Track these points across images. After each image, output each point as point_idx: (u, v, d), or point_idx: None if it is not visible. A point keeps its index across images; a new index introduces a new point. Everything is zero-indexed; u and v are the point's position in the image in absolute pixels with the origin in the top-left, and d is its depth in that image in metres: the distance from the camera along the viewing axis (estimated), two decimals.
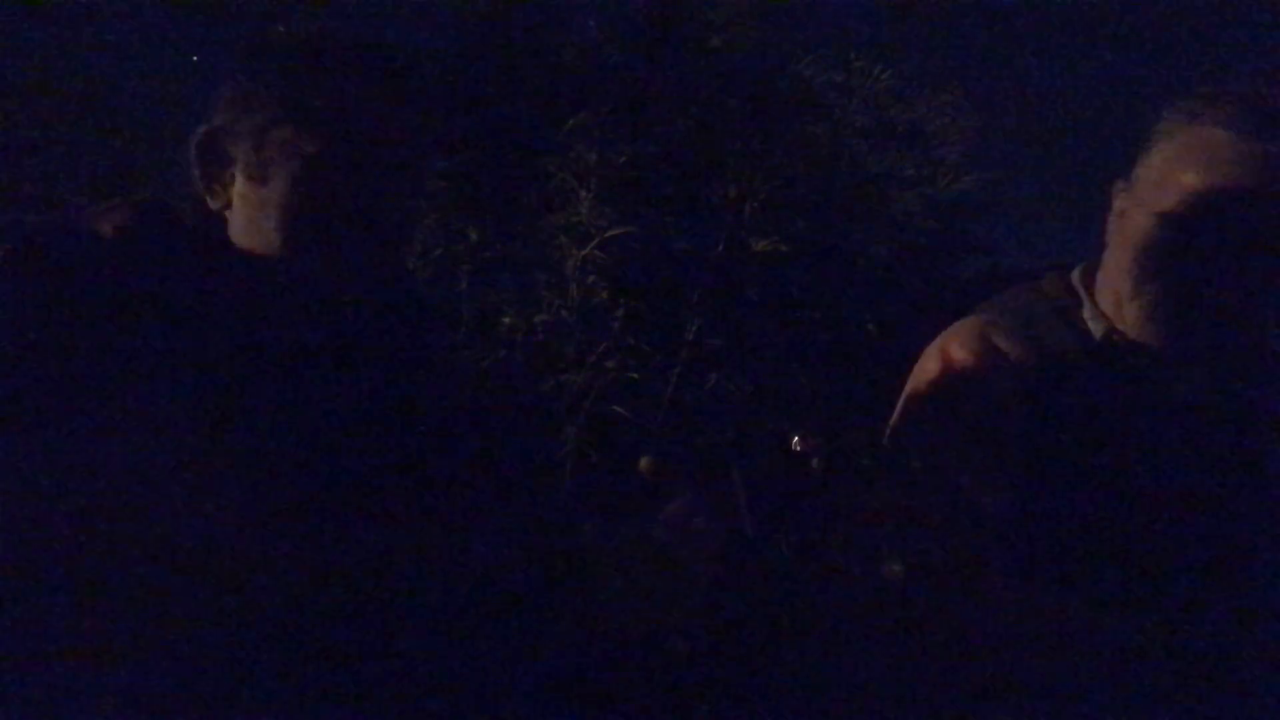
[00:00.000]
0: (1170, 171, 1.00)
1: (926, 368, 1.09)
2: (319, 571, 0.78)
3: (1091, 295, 1.09)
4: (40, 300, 0.76)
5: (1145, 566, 0.97)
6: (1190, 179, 0.97)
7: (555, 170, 3.33)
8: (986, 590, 0.92)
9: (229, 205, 0.86)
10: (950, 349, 1.07)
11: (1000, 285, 1.22)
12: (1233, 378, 1.05)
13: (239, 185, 0.85)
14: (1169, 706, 0.90)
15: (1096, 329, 1.06)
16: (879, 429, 1.11)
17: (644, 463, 0.81)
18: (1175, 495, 0.98)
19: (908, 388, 1.10)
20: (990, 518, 0.95)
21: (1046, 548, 0.97)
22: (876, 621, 0.87)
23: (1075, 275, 1.14)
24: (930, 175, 4.62)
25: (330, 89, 0.83)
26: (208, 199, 0.87)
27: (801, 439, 0.75)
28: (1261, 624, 0.93)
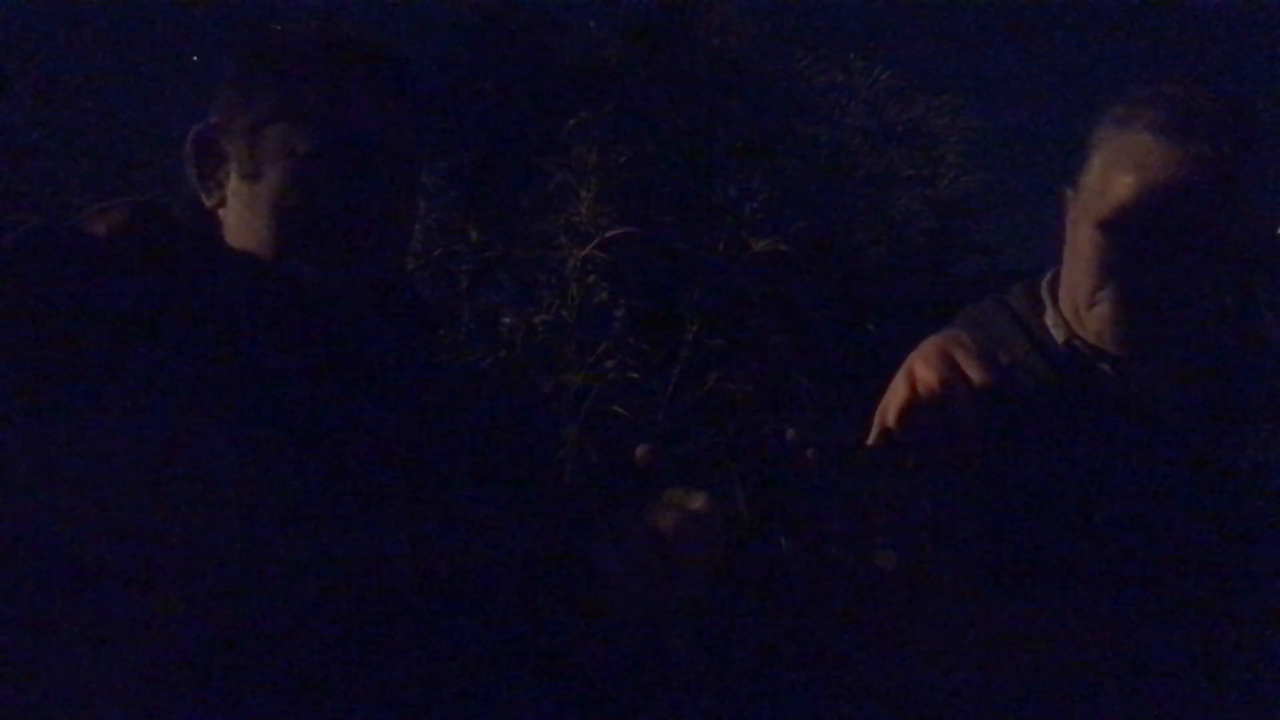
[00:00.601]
0: (1106, 179, 1.00)
1: (896, 391, 1.09)
2: (318, 570, 0.78)
3: (1056, 301, 1.10)
4: (35, 300, 0.76)
5: (1114, 572, 0.96)
6: (1124, 185, 0.98)
7: (555, 170, 3.33)
8: (954, 600, 0.92)
9: (223, 203, 0.86)
10: (916, 370, 1.07)
11: (1000, 285, 1.22)
12: (1201, 376, 1.05)
13: (233, 183, 0.85)
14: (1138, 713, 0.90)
15: (1058, 335, 1.06)
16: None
17: (640, 450, 0.81)
18: (1145, 499, 0.98)
19: (879, 411, 1.10)
20: (957, 532, 0.95)
21: (1014, 558, 0.97)
22: (872, 617, 0.87)
23: (1044, 282, 1.14)
24: (930, 175, 4.62)
25: (325, 87, 0.83)
26: (202, 197, 0.87)
27: (795, 430, 0.75)
28: (1239, 627, 0.93)
